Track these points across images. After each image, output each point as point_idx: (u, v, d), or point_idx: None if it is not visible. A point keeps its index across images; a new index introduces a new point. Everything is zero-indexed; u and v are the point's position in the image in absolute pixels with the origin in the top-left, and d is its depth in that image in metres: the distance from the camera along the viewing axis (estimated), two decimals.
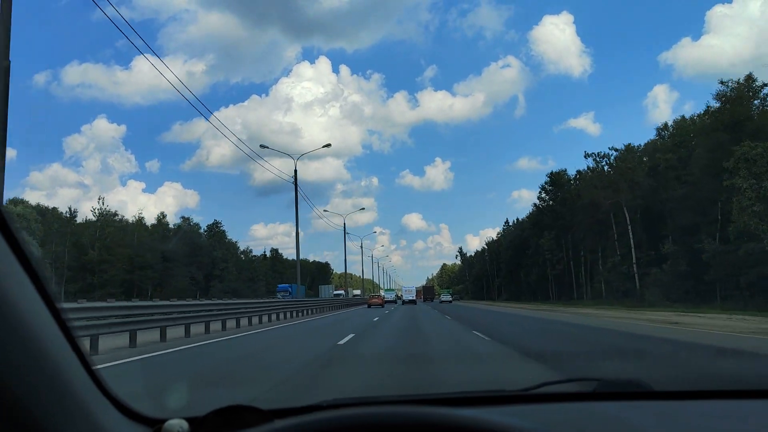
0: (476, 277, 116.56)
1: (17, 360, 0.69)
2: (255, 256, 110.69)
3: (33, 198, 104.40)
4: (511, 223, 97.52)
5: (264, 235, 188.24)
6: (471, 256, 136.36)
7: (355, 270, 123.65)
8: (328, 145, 40.57)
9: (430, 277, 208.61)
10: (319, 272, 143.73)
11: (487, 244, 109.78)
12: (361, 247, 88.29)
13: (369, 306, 49.84)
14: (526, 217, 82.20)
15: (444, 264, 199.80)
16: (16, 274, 0.70)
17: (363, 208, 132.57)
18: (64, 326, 0.78)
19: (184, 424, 1.03)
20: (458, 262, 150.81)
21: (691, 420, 1.51)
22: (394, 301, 72.04)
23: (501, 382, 6.33)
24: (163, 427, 1.03)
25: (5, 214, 0.66)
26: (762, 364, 8.80)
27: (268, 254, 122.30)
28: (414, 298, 70.47)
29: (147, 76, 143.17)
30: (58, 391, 0.76)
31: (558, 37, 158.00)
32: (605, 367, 8.53)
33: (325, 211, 69.10)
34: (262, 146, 36.93)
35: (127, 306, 12.58)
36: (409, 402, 1.56)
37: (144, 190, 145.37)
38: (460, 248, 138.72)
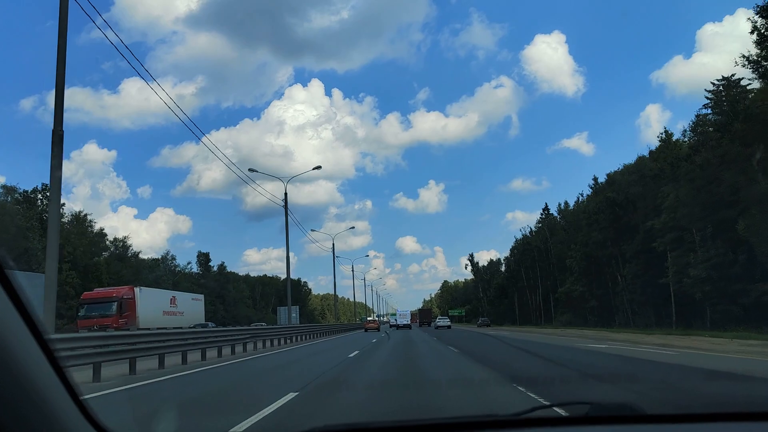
0: (498, 293, 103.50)
1: (2, 389, 0.68)
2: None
3: None
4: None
5: (257, 260, 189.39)
6: (487, 265, 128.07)
7: (349, 294, 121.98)
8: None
9: (427, 299, 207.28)
10: (293, 291, 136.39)
11: (513, 250, 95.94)
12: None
13: (366, 330, 54.10)
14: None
15: (445, 282, 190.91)
16: (1, 303, 0.68)
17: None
18: (51, 356, 0.78)
19: None
20: (461, 279, 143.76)
21: None
22: (400, 326, 69.65)
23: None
24: None
25: None
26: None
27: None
28: (408, 322, 69.39)
29: (136, 100, 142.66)
30: (45, 422, 0.73)
31: (550, 56, 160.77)
32: None
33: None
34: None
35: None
36: (400, 428, 1.59)
37: (136, 216, 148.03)
38: (471, 256, 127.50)
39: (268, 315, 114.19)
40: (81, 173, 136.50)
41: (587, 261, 52.47)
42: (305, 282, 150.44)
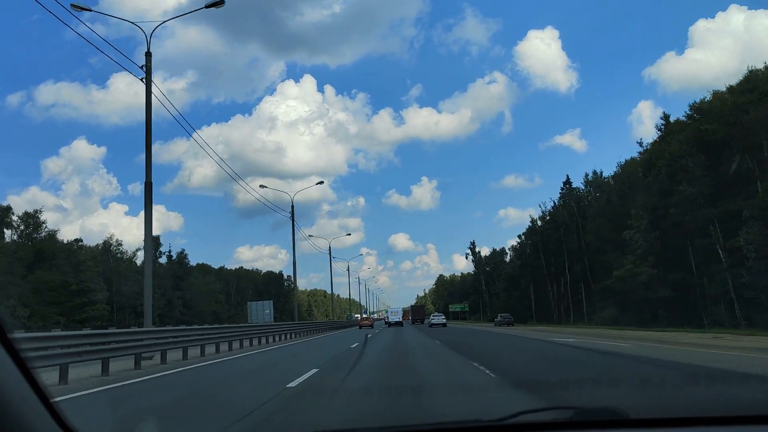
0: (507, 284, 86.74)
1: None
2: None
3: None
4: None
5: (250, 257, 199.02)
6: (489, 255, 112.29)
7: (342, 292, 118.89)
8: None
9: (421, 295, 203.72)
10: (268, 286, 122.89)
11: (527, 233, 78.64)
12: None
13: (360, 327, 56.72)
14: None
15: (440, 277, 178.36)
16: None
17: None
18: (17, 358, 0.74)
19: None
20: (457, 274, 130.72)
21: None
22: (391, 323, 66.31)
23: None
24: None
25: None
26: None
27: None
28: (401, 319, 67.49)
29: (125, 95, 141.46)
30: (13, 426, 0.70)
31: (544, 52, 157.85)
32: None
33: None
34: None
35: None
36: None
37: (127, 213, 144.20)
38: (473, 244, 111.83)
39: (244, 311, 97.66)
40: (70, 169, 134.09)
41: (658, 234, 36.32)
42: (289, 276, 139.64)
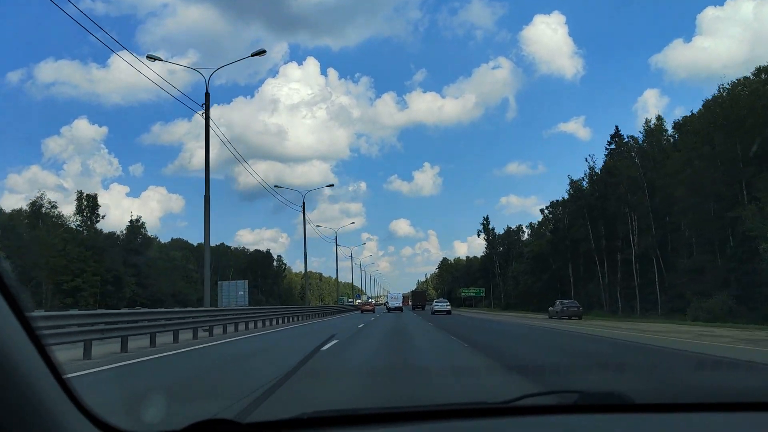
0: (533, 266, 70.35)
1: None
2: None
3: (11, 201, 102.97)
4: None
5: (251, 240, 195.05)
6: (503, 234, 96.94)
7: (342, 276, 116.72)
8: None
9: (422, 280, 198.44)
10: (253, 265, 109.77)
11: (564, 202, 62.23)
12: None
13: (362, 312, 59.10)
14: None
15: (443, 260, 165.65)
16: None
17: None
18: (33, 335, 0.77)
19: None
20: (462, 258, 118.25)
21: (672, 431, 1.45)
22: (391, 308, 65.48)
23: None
24: None
25: None
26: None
27: None
28: (400, 305, 67.13)
29: (126, 74, 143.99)
30: (27, 403, 0.72)
31: (550, 37, 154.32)
32: None
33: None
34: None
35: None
36: (389, 414, 1.57)
37: (128, 194, 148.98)
38: (486, 220, 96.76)
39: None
40: (71, 149, 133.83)
41: None
42: (280, 256, 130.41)
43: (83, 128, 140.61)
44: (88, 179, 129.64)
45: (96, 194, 65.84)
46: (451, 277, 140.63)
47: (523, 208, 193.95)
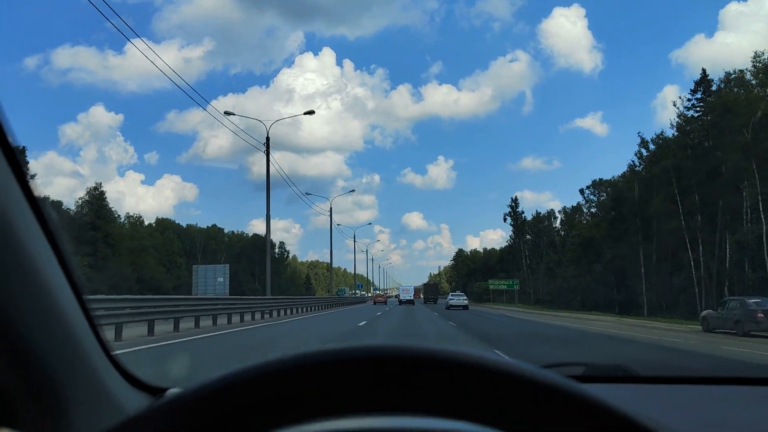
0: (587, 251, 55.60)
1: (52, 342, 0.78)
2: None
3: None
4: None
5: (263, 230, 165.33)
6: (533, 219, 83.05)
7: (351, 267, 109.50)
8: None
9: (435, 273, 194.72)
10: (248, 250, 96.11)
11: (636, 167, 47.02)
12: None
13: (374, 303, 64.04)
14: None
15: (459, 251, 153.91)
16: (50, 267, 0.78)
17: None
18: (87, 314, 0.89)
19: None
20: (480, 250, 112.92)
21: (676, 401, 1.58)
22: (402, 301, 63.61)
23: None
24: (164, 395, 1.04)
25: (44, 211, 0.74)
26: None
27: None
28: (412, 297, 65.20)
29: (142, 62, 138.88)
30: (73, 357, 0.84)
31: (569, 30, 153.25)
32: None
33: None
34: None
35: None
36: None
37: (143, 182, 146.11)
38: (514, 201, 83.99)
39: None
40: (87, 136, 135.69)
41: None
42: (282, 243, 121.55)
43: (100, 115, 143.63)
44: (104, 166, 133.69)
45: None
46: (467, 269, 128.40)
47: (537, 204, 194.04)
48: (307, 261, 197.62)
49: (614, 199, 47.57)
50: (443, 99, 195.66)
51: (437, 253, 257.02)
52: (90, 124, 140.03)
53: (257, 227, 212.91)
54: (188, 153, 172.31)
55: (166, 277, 72.18)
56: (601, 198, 73.31)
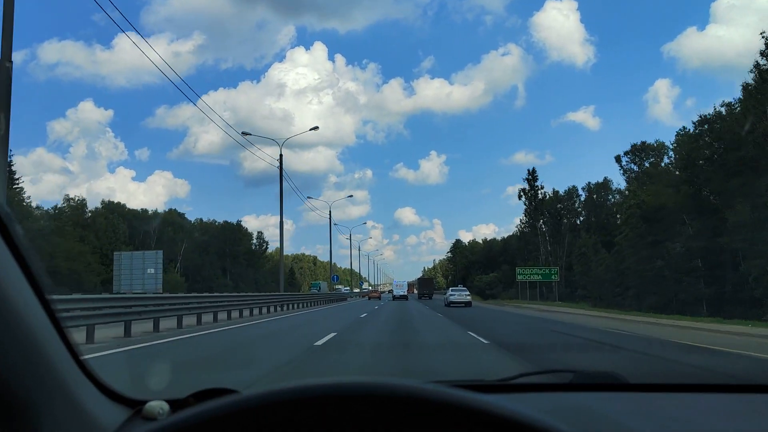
0: (652, 225, 37.56)
1: (7, 348, 0.71)
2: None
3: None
4: None
5: (255, 226, 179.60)
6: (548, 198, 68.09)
7: (344, 263, 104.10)
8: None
9: (428, 268, 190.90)
10: (217, 240, 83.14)
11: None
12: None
13: (369, 299, 63.42)
14: None
15: (456, 242, 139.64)
16: (4, 261, 0.72)
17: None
18: (52, 315, 0.84)
19: (165, 406, 1.02)
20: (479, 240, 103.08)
21: (664, 411, 1.56)
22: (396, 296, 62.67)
23: None
24: (144, 408, 1.02)
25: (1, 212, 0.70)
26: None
27: None
28: (405, 293, 64.13)
29: (131, 56, 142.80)
30: (40, 370, 0.77)
31: (561, 23, 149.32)
32: None
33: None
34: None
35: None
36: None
37: (134, 179, 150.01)
38: (531, 175, 68.60)
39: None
40: (76, 132, 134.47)
41: None
42: (261, 233, 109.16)
43: (89, 111, 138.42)
44: (94, 162, 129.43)
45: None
46: (467, 261, 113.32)
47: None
48: (292, 254, 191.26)
49: (716, 139, 31.50)
50: (435, 93, 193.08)
51: (430, 248, 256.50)
52: (79, 120, 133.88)
53: (250, 223, 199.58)
54: (179, 149, 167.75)
55: (87, 271, 55.89)
56: (643, 166, 58.13)
